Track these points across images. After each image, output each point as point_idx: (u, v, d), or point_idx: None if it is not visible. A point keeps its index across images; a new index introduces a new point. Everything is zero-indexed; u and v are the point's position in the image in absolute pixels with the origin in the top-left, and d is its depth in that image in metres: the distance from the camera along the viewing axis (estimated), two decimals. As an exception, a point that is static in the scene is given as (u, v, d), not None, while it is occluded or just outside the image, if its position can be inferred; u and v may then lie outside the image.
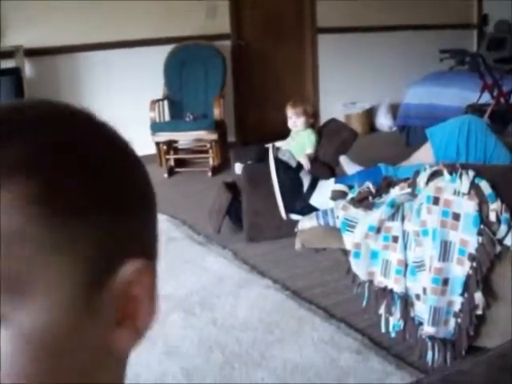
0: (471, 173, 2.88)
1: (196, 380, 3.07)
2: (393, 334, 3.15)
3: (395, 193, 3.09)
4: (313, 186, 3.67)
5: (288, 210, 3.75)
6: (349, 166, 4.00)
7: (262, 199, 4.64)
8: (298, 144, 5.02)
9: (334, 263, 4.07)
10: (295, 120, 5.15)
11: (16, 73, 6.14)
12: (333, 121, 5.51)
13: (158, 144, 6.93)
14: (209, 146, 6.94)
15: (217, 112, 6.92)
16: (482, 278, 2.83)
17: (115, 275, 0.53)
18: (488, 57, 7.29)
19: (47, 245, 0.50)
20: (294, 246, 3.49)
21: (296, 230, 3.49)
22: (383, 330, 3.15)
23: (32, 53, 6.44)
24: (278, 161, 3.97)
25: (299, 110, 5.14)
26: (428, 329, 2.93)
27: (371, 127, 8.80)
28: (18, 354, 0.49)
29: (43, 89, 6.67)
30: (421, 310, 2.99)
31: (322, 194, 3.60)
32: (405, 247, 3.00)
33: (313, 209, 3.56)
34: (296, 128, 5.18)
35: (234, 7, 7.84)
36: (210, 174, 6.90)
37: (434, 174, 2.96)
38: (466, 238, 2.81)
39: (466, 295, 2.86)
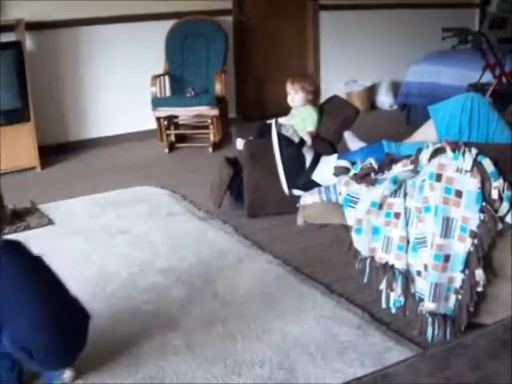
0: (474, 150, 2.88)
1: (198, 352, 3.10)
2: (393, 310, 3.17)
3: (398, 169, 3.09)
4: (315, 162, 3.66)
5: (290, 186, 3.74)
6: (353, 141, 3.98)
7: (263, 175, 4.65)
8: (299, 121, 5.01)
9: (335, 239, 4.09)
10: (293, 96, 5.14)
11: (17, 46, 6.11)
12: (335, 98, 5.50)
13: (158, 119, 6.93)
14: (210, 121, 6.94)
15: (218, 88, 6.91)
16: (483, 255, 2.84)
17: None
18: (490, 36, 7.26)
19: None
20: (295, 222, 3.50)
21: (298, 205, 3.50)
22: (384, 305, 3.16)
23: (33, 26, 6.41)
24: (280, 136, 3.96)
25: (297, 86, 5.13)
26: (428, 305, 2.94)
27: (372, 105, 8.80)
28: None
29: (44, 63, 6.66)
30: (421, 287, 3.00)
31: (325, 170, 3.59)
32: (406, 224, 3.01)
33: (315, 184, 3.56)
34: (293, 103, 5.17)
35: (236, -18, 7.82)
36: (210, 149, 6.91)
37: (437, 151, 2.96)
38: (468, 215, 2.81)
39: (466, 272, 2.87)
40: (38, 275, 2.79)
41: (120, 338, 3.24)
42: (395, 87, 8.58)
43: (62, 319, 2.80)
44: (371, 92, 8.78)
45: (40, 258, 2.83)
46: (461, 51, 7.48)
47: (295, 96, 5.13)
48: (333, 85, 8.06)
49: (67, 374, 2.89)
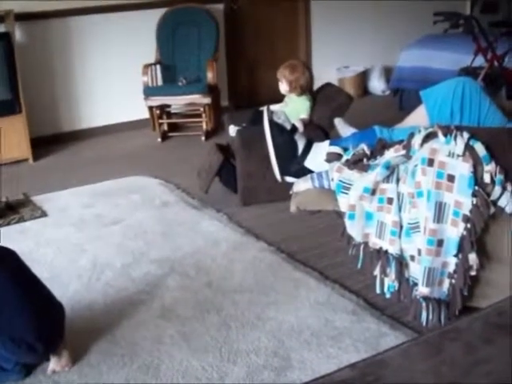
0: (466, 135, 2.88)
1: (193, 341, 3.10)
2: (387, 295, 3.18)
3: (390, 155, 3.09)
4: (307, 149, 3.66)
5: (283, 173, 3.74)
6: (343, 128, 3.98)
7: (256, 162, 4.64)
8: (293, 109, 5.00)
9: (328, 225, 4.10)
10: (280, 84, 5.17)
11: (6, 38, 6.07)
12: (328, 85, 5.48)
13: (151, 108, 6.91)
14: (202, 110, 6.92)
15: (210, 76, 6.89)
16: (476, 239, 2.85)
17: None
18: (481, 20, 7.24)
19: None
20: (288, 209, 3.49)
21: (291, 192, 3.50)
22: (378, 291, 3.17)
23: (22, 17, 6.37)
24: (272, 123, 3.95)
25: (279, 75, 5.17)
26: (422, 289, 2.95)
27: (364, 91, 8.78)
28: None
29: (34, 54, 6.63)
30: (415, 271, 3.01)
31: (317, 157, 3.58)
32: (399, 209, 3.01)
33: (308, 171, 3.56)
34: (282, 91, 5.20)
35: (227, -30, 7.78)
36: (203, 138, 6.89)
37: (429, 136, 2.97)
38: (461, 199, 2.82)
39: (460, 256, 2.87)
40: (17, 270, 2.82)
41: (115, 328, 3.24)
42: (387, 72, 8.56)
43: (49, 307, 2.87)
44: (363, 77, 8.76)
45: (16, 254, 2.85)
46: (452, 35, 7.47)
47: (281, 84, 5.16)
48: (325, 71, 8.03)
49: (64, 354, 2.92)
